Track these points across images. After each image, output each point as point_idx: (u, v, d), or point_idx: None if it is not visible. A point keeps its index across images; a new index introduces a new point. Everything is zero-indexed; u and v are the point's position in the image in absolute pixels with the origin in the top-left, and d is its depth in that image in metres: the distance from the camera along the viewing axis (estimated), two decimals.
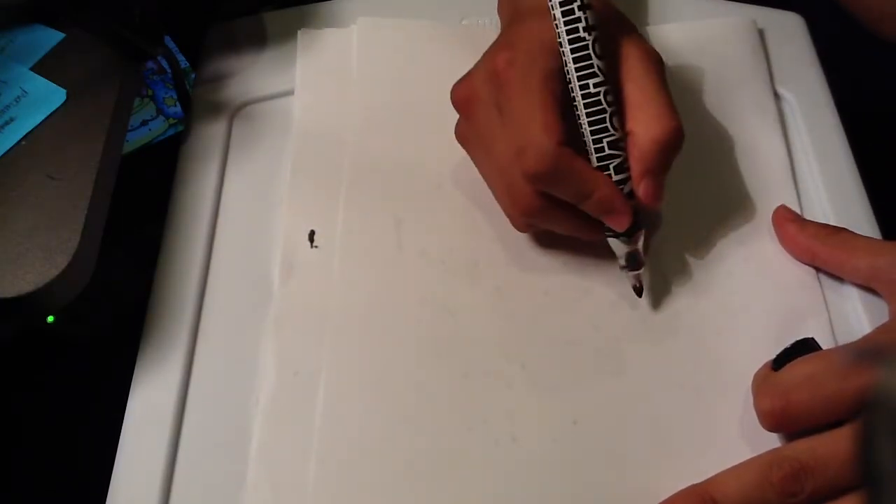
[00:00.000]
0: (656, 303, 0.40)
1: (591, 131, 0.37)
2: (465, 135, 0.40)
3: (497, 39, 0.40)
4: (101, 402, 0.40)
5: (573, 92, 0.37)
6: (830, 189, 0.43)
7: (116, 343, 0.42)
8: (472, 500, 0.35)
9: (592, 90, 0.36)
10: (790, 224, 0.41)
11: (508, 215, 0.40)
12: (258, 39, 0.49)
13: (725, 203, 0.43)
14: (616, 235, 0.39)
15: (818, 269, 0.40)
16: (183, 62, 0.57)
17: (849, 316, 0.40)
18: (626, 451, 0.36)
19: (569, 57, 0.36)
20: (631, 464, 0.36)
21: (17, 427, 0.50)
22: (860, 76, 0.57)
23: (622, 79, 0.38)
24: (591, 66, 0.36)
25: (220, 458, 0.37)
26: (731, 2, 0.50)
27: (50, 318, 0.46)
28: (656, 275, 0.41)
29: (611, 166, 0.37)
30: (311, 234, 0.42)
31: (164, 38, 0.44)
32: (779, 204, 0.42)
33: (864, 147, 0.45)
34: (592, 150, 0.37)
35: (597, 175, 0.37)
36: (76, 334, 0.51)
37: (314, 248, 0.42)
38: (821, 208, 0.43)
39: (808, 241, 0.40)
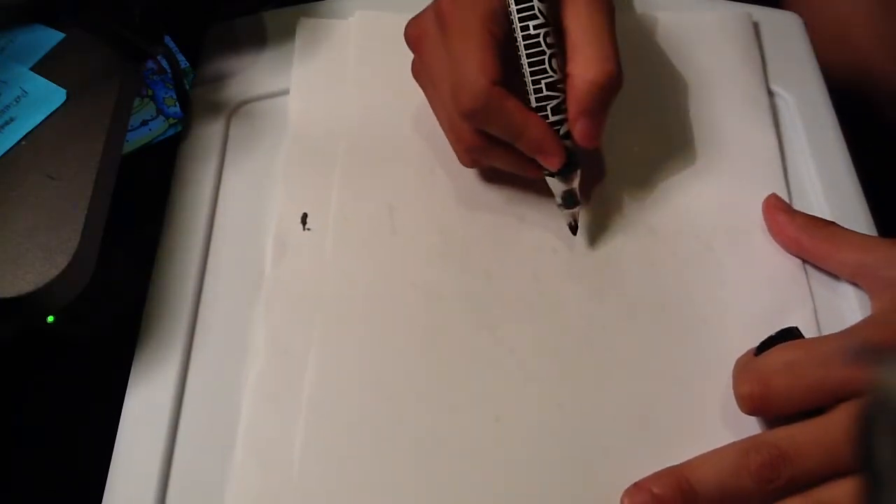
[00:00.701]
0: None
1: (530, 72, 0.38)
2: (417, 71, 0.42)
3: None
4: (100, 402, 0.40)
5: (515, 32, 0.37)
6: (827, 188, 0.43)
7: (116, 343, 0.42)
8: (456, 480, 0.36)
9: (532, 31, 0.37)
10: (780, 213, 0.41)
11: (455, 150, 0.42)
12: (258, 39, 0.49)
13: (715, 194, 0.43)
14: (553, 175, 0.40)
15: (805, 261, 0.41)
16: (183, 62, 0.57)
17: (834, 308, 0.40)
18: (609, 434, 0.37)
19: None
20: (614, 447, 0.36)
21: (17, 427, 0.50)
22: (859, 76, 0.57)
23: (567, 20, 0.38)
24: (532, 7, 0.37)
25: (217, 456, 0.37)
26: (731, 1, 0.50)
27: (50, 318, 0.46)
28: (641, 264, 0.41)
29: (548, 107, 0.38)
30: (304, 217, 0.42)
31: (164, 38, 0.44)
32: (767, 196, 0.42)
33: (862, 146, 0.45)
34: (531, 91, 0.38)
35: (528, 115, 0.38)
36: (76, 334, 0.51)
37: (307, 231, 0.42)
38: (818, 207, 0.43)
39: (797, 232, 0.40)
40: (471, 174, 0.43)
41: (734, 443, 0.34)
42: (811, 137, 0.45)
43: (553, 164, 0.39)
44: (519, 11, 0.37)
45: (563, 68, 0.38)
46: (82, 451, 0.48)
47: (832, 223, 0.40)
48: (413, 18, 0.41)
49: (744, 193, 0.43)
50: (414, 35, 0.41)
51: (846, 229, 0.40)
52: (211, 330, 0.40)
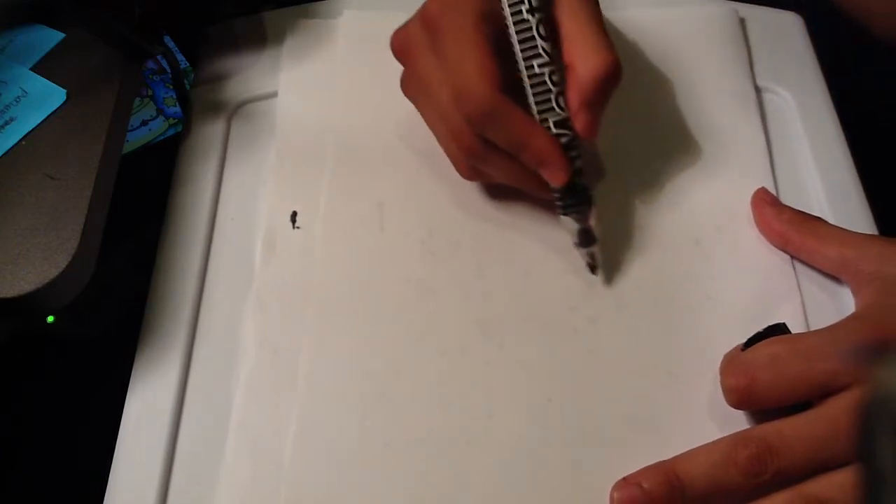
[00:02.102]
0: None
1: (536, 109, 0.37)
2: (407, 83, 0.41)
3: None
4: (100, 402, 0.40)
5: (514, 48, 0.37)
6: (828, 187, 0.43)
7: (116, 343, 0.42)
8: (448, 475, 0.36)
9: (537, 70, 0.37)
10: (767, 207, 0.41)
11: (453, 160, 0.41)
12: (258, 39, 0.49)
13: (702, 189, 0.43)
14: (567, 213, 0.39)
15: (792, 256, 0.41)
16: (183, 62, 0.57)
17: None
18: (598, 428, 0.37)
19: (514, 36, 0.37)
20: (604, 441, 0.37)
21: (17, 427, 0.50)
22: (859, 76, 0.57)
23: (559, 15, 0.38)
24: (535, 46, 0.37)
25: (218, 455, 0.37)
26: (730, 1, 0.51)
27: (50, 318, 0.46)
28: (631, 259, 0.41)
29: (550, 120, 0.37)
30: (294, 215, 0.42)
31: (164, 37, 0.44)
32: (755, 190, 0.42)
33: (863, 146, 0.45)
34: (533, 105, 0.38)
35: (533, 124, 0.37)
36: (76, 334, 0.51)
37: (296, 229, 0.42)
38: (818, 206, 0.43)
39: (783, 226, 0.41)
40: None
41: (722, 437, 0.34)
42: (811, 136, 0.45)
43: (558, 178, 0.38)
44: (523, 49, 0.37)
45: (562, 81, 0.37)
46: (82, 451, 0.48)
47: (819, 218, 0.40)
48: (397, 29, 0.40)
49: (731, 188, 0.43)
50: (400, 45, 0.40)
51: (830, 224, 0.40)
52: (212, 329, 0.40)
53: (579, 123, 0.37)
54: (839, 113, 0.46)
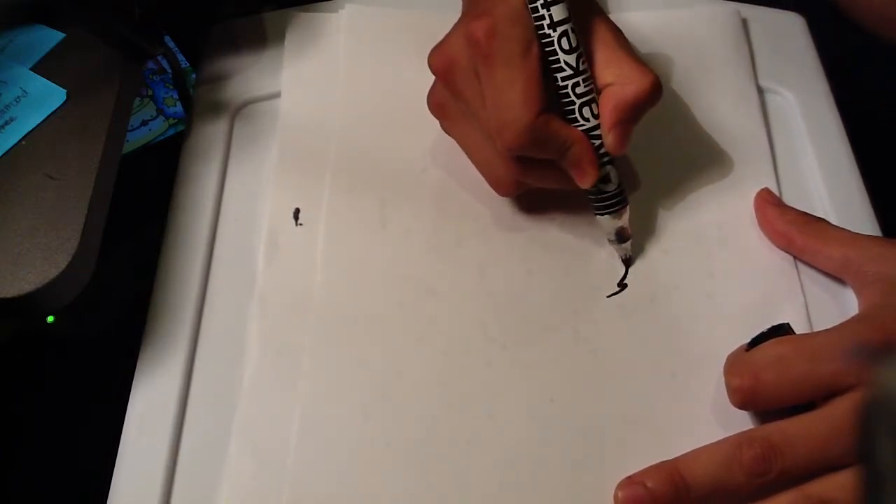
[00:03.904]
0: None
1: (558, 95, 0.38)
2: (443, 102, 0.41)
3: (471, 6, 0.39)
4: (101, 401, 0.40)
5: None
6: (830, 187, 0.43)
7: (116, 343, 0.42)
8: (450, 475, 0.36)
9: (560, 83, 0.37)
10: (771, 207, 0.41)
11: (494, 179, 0.41)
12: (258, 39, 0.49)
13: (705, 189, 0.43)
14: (603, 213, 0.40)
15: (795, 257, 0.41)
16: (183, 62, 0.57)
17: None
18: (601, 428, 0.37)
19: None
20: (606, 441, 0.36)
21: (17, 427, 0.50)
22: (860, 76, 0.57)
23: (593, 46, 0.38)
24: (558, 60, 0.37)
25: (220, 457, 0.37)
26: (731, 1, 0.50)
27: (50, 318, 0.46)
28: (635, 258, 0.41)
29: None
30: (297, 213, 0.42)
31: (164, 37, 0.44)
32: (759, 190, 0.42)
33: (865, 146, 0.45)
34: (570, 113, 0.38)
35: (573, 131, 0.38)
36: (76, 334, 0.51)
37: (299, 226, 0.42)
38: (821, 205, 0.43)
39: (786, 226, 0.41)
40: (462, 170, 0.43)
41: (727, 437, 0.34)
42: (813, 136, 0.45)
43: (586, 179, 0.38)
44: (547, 63, 0.37)
45: (593, 114, 0.38)
46: (82, 451, 0.48)
47: (822, 219, 0.40)
48: (438, 47, 0.39)
49: (734, 188, 0.43)
50: (442, 64, 0.39)
51: (833, 225, 0.40)
52: (215, 330, 0.40)
53: (612, 139, 0.38)
54: (841, 113, 0.46)
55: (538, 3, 0.36)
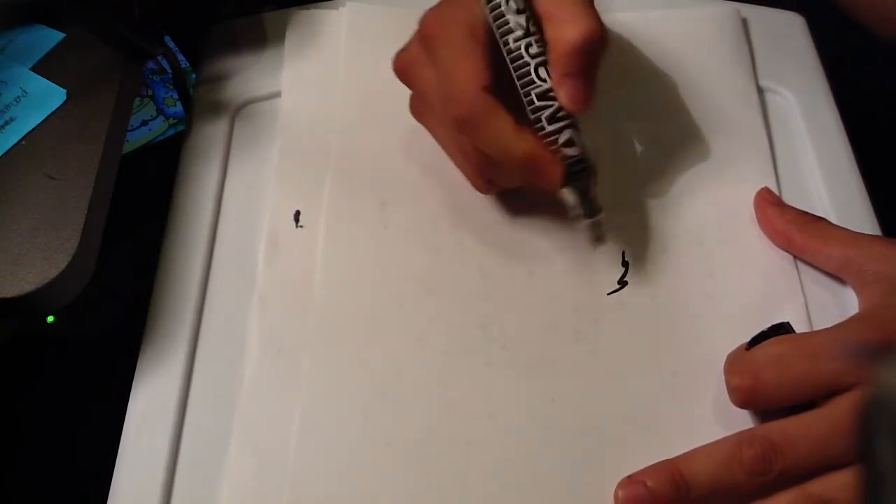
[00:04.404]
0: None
1: (519, 85, 0.37)
2: (415, 104, 0.41)
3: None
4: (101, 401, 0.40)
5: (491, 28, 0.37)
6: (830, 187, 0.43)
7: (116, 343, 0.42)
8: (450, 475, 0.36)
9: (513, 45, 0.36)
10: (771, 207, 0.41)
11: (467, 175, 0.41)
12: (258, 39, 0.49)
13: (705, 188, 0.43)
14: (567, 183, 0.38)
15: (795, 256, 0.41)
16: (183, 62, 0.57)
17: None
18: (602, 428, 0.37)
19: (488, 14, 0.37)
20: (607, 440, 0.36)
21: (17, 427, 0.50)
22: (860, 76, 0.57)
23: (540, 6, 0.37)
24: (507, 21, 0.36)
25: (221, 457, 0.37)
26: (732, 1, 0.50)
27: (50, 318, 0.46)
28: (634, 260, 0.41)
29: (542, 117, 0.36)
30: (297, 215, 0.42)
31: (164, 37, 0.44)
32: (759, 190, 0.42)
33: (864, 146, 0.45)
34: (525, 105, 0.37)
35: (517, 130, 0.36)
36: (76, 334, 0.51)
37: (299, 228, 0.42)
38: (821, 205, 0.43)
39: (786, 226, 0.41)
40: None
41: (727, 437, 0.34)
42: (813, 136, 0.45)
43: (553, 181, 0.36)
44: (497, 27, 0.36)
45: (549, 74, 0.36)
46: (82, 451, 0.48)
47: (822, 219, 0.40)
48: (398, 52, 0.40)
49: (734, 188, 0.43)
50: (401, 66, 0.40)
51: (833, 225, 0.40)
52: (215, 329, 0.40)
53: (564, 95, 0.36)
54: (841, 113, 0.46)
55: None
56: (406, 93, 0.42)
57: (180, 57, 0.56)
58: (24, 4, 0.44)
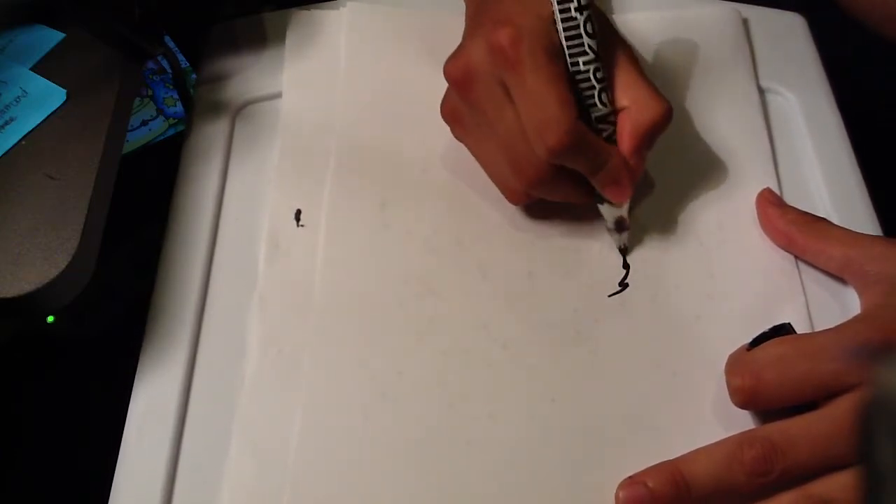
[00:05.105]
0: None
1: (581, 105, 0.38)
2: (458, 111, 0.40)
3: (483, 13, 0.39)
4: (101, 401, 0.40)
5: (562, 45, 0.38)
6: (831, 187, 0.43)
7: (116, 343, 0.42)
8: (450, 475, 0.36)
9: (582, 67, 0.38)
10: (772, 207, 0.42)
11: (508, 189, 0.41)
12: (258, 39, 0.49)
13: (706, 190, 0.43)
14: (605, 202, 0.40)
15: (796, 256, 0.41)
16: (183, 62, 0.57)
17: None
18: (603, 428, 0.37)
19: (562, 34, 0.37)
20: (608, 441, 0.37)
21: (17, 427, 0.50)
22: (861, 76, 0.57)
23: (610, 65, 0.39)
24: (582, 43, 0.37)
25: (221, 457, 0.37)
26: (731, 1, 0.50)
27: (50, 318, 0.46)
28: (634, 260, 0.41)
29: (592, 115, 0.39)
30: (298, 214, 0.42)
31: (164, 37, 0.44)
32: (760, 190, 0.42)
33: (865, 146, 0.45)
34: (578, 98, 0.38)
35: (610, 147, 0.38)
36: (76, 334, 0.51)
37: (300, 227, 0.42)
38: (822, 206, 0.43)
39: (787, 226, 0.41)
40: (463, 170, 0.43)
41: (728, 437, 0.34)
42: (814, 136, 0.45)
43: (623, 196, 0.39)
44: (569, 47, 0.37)
45: (612, 102, 0.39)
46: (82, 451, 0.48)
47: (823, 219, 0.40)
48: (455, 56, 0.39)
49: (735, 188, 0.43)
50: (461, 74, 0.38)
51: (834, 225, 0.40)
52: (216, 329, 0.40)
53: (634, 163, 0.39)
54: (841, 113, 0.46)
55: None
56: (406, 93, 0.42)
57: (180, 57, 0.56)
58: (24, 4, 0.44)
